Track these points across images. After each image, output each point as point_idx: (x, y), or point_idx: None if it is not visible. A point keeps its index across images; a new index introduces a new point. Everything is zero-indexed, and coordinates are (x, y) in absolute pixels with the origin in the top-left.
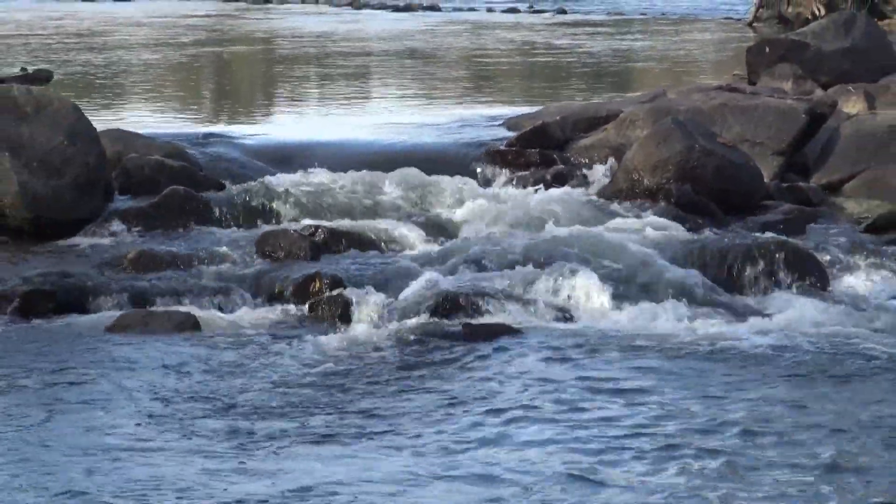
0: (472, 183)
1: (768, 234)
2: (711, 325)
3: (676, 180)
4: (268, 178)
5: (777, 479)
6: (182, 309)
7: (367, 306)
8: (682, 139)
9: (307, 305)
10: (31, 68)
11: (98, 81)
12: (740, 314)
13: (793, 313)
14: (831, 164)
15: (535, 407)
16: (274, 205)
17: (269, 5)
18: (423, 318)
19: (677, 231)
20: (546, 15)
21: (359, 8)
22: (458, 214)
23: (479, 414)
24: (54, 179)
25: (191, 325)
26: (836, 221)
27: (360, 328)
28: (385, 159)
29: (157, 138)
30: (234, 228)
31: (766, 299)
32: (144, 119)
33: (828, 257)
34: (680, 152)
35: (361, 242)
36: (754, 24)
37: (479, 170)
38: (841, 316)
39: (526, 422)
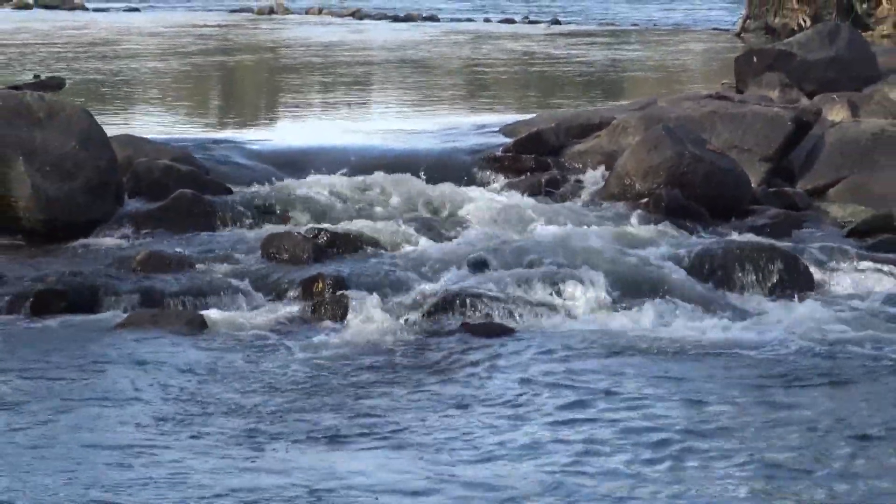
0: (470, 187)
1: (755, 238)
2: (701, 327)
3: (667, 185)
4: (273, 182)
5: (766, 479)
6: (189, 308)
7: (368, 306)
8: (672, 146)
9: (310, 305)
10: (43, 76)
11: (108, 88)
12: (729, 315)
13: (779, 314)
14: (816, 170)
15: (532, 406)
16: (278, 208)
17: (274, 16)
18: (423, 317)
19: (668, 235)
20: (541, 26)
21: (360, 18)
22: (457, 218)
23: (479, 414)
24: (67, 183)
25: (198, 323)
26: (820, 225)
27: (361, 328)
28: (386, 164)
29: (165, 143)
30: (240, 231)
31: (754, 301)
32: (153, 125)
33: (813, 260)
34: (670, 158)
35: (363, 245)
36: (742, 35)
37: (476, 174)
38: (825, 317)
39: (523, 421)
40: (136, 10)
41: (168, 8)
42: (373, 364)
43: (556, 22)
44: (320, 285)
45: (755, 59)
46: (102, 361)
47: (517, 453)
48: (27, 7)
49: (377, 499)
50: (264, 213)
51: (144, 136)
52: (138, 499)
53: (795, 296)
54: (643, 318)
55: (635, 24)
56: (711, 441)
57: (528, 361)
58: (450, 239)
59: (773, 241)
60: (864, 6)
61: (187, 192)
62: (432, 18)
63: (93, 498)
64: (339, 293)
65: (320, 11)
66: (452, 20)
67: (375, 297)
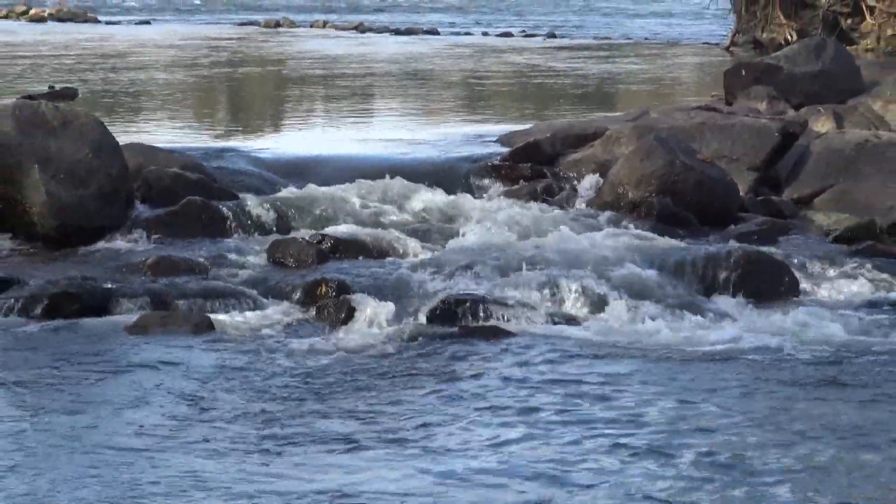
0: (469, 195)
1: (744, 244)
2: (691, 330)
3: (658, 193)
4: (279, 190)
5: (750, 479)
6: (197, 311)
7: (370, 310)
8: (663, 155)
9: (314, 308)
10: (57, 86)
11: (120, 98)
12: (717, 320)
13: (766, 319)
14: (802, 180)
15: (527, 406)
16: (284, 214)
17: (280, 29)
18: (422, 320)
19: (659, 241)
20: (537, 39)
21: (363, 31)
22: (455, 224)
23: (477, 414)
24: (80, 190)
25: (206, 326)
26: (806, 233)
27: (363, 330)
28: (388, 172)
29: (175, 152)
30: (247, 236)
31: (742, 305)
32: (163, 134)
33: (799, 266)
34: (662, 167)
35: (365, 250)
36: (731, 49)
37: (475, 183)
38: (811, 321)
39: (519, 421)
40: (147, 22)
41: (178, 21)
42: (374, 367)
43: (553, 36)
44: (324, 289)
45: (744, 73)
46: (114, 362)
47: (514, 452)
48: (42, 20)
49: (385, 498)
50: (270, 219)
51: (155, 144)
52: (150, 498)
53: (782, 301)
54: (635, 322)
55: (628, 38)
56: (699, 441)
57: (522, 362)
58: (448, 245)
59: (760, 248)
60: (849, 22)
61: (196, 198)
62: (433, 32)
63: (105, 499)
64: (342, 297)
65: (324, 25)
66: (452, 34)
67: (377, 301)
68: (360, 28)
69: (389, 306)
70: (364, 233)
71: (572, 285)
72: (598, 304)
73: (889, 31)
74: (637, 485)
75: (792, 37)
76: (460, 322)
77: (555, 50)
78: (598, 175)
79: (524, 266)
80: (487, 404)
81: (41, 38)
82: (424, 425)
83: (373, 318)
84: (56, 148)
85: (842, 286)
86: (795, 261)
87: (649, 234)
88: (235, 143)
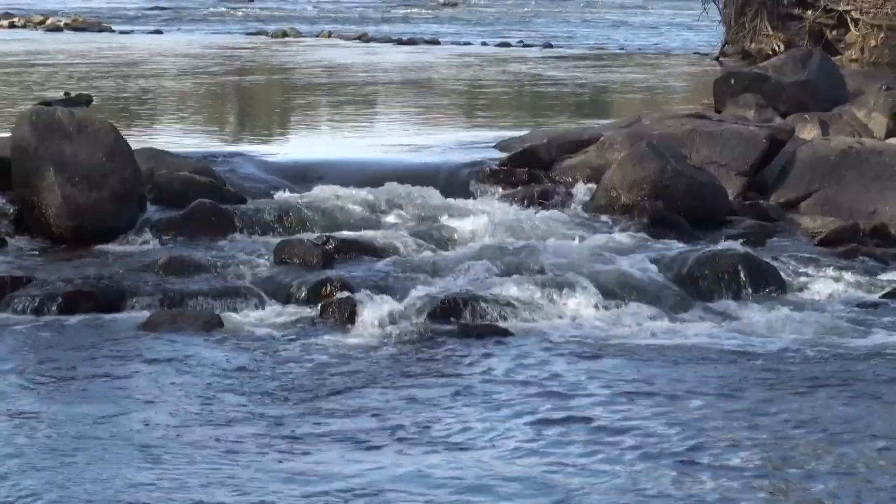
0: (468, 199)
1: (732, 246)
2: (681, 329)
3: (650, 197)
4: (285, 193)
5: (736, 477)
6: (207, 309)
7: (373, 309)
8: (655, 161)
9: (319, 307)
10: (73, 93)
11: (133, 105)
12: (707, 319)
13: (754, 319)
14: (789, 184)
15: (528, 403)
16: (290, 217)
17: (287, 38)
18: (423, 319)
19: (651, 243)
20: (534, 49)
21: (367, 41)
22: (456, 227)
23: (475, 411)
24: (94, 192)
25: (215, 323)
26: (792, 235)
27: (366, 328)
28: (391, 176)
29: (185, 156)
30: (254, 238)
31: (730, 306)
32: (174, 139)
33: (785, 267)
34: (654, 172)
35: (368, 251)
36: (721, 59)
37: (474, 187)
38: (797, 321)
39: (520, 418)
40: (159, 32)
41: (189, 31)
42: (378, 364)
43: (549, 46)
44: (328, 288)
45: (733, 82)
46: (126, 358)
47: (512, 449)
48: (58, 29)
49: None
50: (277, 221)
51: (166, 149)
52: (162, 494)
53: (769, 301)
54: (628, 322)
55: (622, 49)
56: (687, 438)
57: (518, 359)
58: (448, 246)
59: (748, 250)
60: (834, 33)
61: (206, 201)
62: (434, 42)
63: (118, 496)
64: (346, 295)
65: (330, 35)
66: (452, 43)
67: (380, 300)
68: (364, 38)
69: (392, 305)
70: (367, 234)
71: (566, 285)
72: (594, 304)
73: (872, 43)
74: (636, 482)
75: (779, 48)
76: (460, 320)
77: (551, 59)
78: (592, 180)
79: (522, 266)
80: (490, 401)
81: (57, 46)
82: (434, 422)
83: (376, 316)
84: (71, 152)
85: (826, 287)
86: (782, 262)
87: (642, 237)
88: (244, 147)
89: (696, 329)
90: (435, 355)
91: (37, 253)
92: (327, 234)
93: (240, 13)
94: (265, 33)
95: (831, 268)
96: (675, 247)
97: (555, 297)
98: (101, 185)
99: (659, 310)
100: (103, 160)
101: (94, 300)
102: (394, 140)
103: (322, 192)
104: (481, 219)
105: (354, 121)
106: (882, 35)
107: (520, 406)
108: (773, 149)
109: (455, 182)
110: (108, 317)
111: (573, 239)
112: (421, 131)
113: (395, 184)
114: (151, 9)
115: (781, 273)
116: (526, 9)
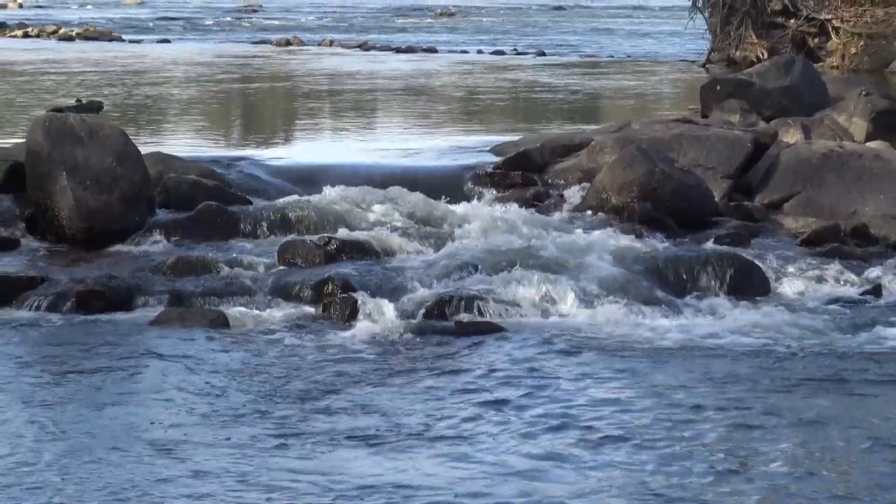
0: (464, 201)
1: (718, 246)
2: (668, 327)
3: (639, 199)
4: (289, 196)
5: (725, 474)
6: (213, 307)
7: (373, 307)
8: (644, 164)
9: (321, 306)
10: (84, 99)
11: (142, 111)
12: (693, 317)
13: (738, 316)
14: (772, 186)
15: (518, 399)
16: (293, 218)
17: (291, 47)
18: (421, 317)
19: (640, 243)
20: (528, 57)
21: (367, 50)
22: (452, 228)
23: (473, 408)
24: (105, 195)
25: (221, 321)
26: (776, 235)
27: (367, 326)
28: (390, 179)
29: (193, 160)
30: (259, 239)
31: (716, 304)
32: (182, 144)
33: (769, 266)
34: (643, 175)
35: (369, 251)
36: (707, 66)
37: (470, 189)
38: (781, 319)
39: (512, 413)
40: (168, 41)
41: (196, 40)
42: (379, 361)
43: (542, 54)
44: (330, 287)
45: (718, 88)
46: (136, 355)
47: (509, 447)
48: (70, 39)
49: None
50: (281, 223)
51: (174, 153)
52: (170, 489)
53: (753, 299)
54: (615, 319)
55: (611, 56)
56: (682, 436)
57: (514, 355)
58: (445, 247)
59: (733, 250)
60: (816, 41)
61: (212, 203)
62: (431, 50)
63: (127, 490)
64: (347, 294)
65: (331, 43)
66: (449, 51)
67: (380, 299)
68: (365, 46)
69: (391, 304)
70: (368, 235)
71: (558, 283)
72: (586, 302)
73: (853, 50)
74: (634, 479)
75: (763, 55)
76: (457, 318)
77: (544, 67)
78: (583, 182)
79: (516, 266)
80: (487, 397)
81: (70, 55)
82: (434, 419)
83: (376, 314)
84: (83, 157)
85: (809, 285)
86: (766, 261)
87: (631, 237)
88: (249, 152)
89: (686, 327)
90: (433, 352)
91: (50, 254)
92: (329, 235)
93: (245, 23)
94: (270, 42)
95: (814, 267)
96: (664, 247)
97: (549, 295)
98: (111, 189)
99: (649, 308)
100: (114, 164)
101: (104, 299)
102: (394, 144)
103: (325, 195)
104: (477, 220)
105: (356, 126)
106: (862, 43)
107: (516, 402)
108: (757, 152)
109: (452, 184)
110: (118, 315)
111: (565, 239)
112: (420, 136)
113: (395, 187)
114: (160, 19)
115: (766, 272)
116: (521, 18)
